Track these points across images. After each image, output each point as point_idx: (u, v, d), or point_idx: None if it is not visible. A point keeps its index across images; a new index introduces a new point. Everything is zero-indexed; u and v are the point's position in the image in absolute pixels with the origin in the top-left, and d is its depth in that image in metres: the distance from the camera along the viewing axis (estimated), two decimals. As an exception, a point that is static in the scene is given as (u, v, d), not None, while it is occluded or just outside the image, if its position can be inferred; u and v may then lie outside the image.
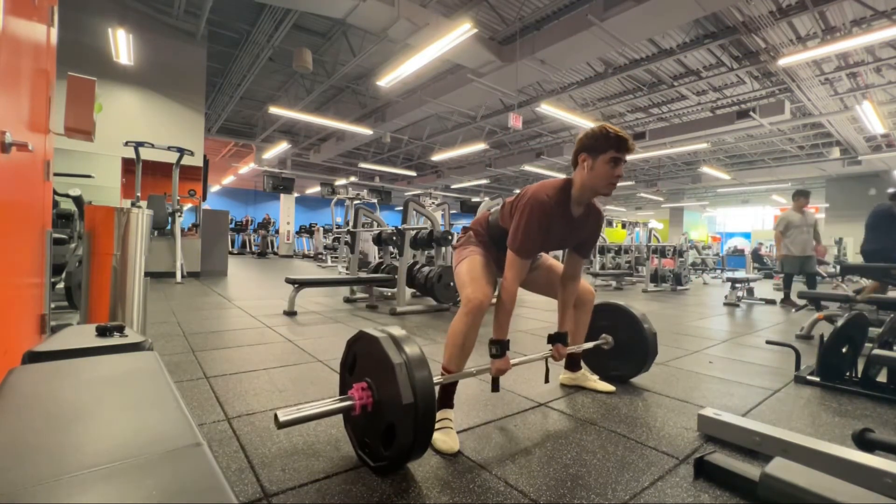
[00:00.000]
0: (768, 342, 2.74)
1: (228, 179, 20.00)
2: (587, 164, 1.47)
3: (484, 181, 17.26)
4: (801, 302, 4.76)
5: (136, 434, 0.54)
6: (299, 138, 13.35)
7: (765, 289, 7.93)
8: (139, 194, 6.41)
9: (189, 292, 5.13)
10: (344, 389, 1.36)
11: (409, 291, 4.62)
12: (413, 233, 4.71)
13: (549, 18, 6.33)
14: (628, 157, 1.49)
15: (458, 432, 1.47)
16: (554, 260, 1.88)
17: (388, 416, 1.16)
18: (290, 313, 3.81)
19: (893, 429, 1.67)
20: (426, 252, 5.61)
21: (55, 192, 3.41)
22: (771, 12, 5.64)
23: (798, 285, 5.68)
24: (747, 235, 22.64)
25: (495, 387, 1.56)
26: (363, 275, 5.10)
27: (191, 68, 7.47)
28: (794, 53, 5.77)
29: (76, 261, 3.17)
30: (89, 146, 5.50)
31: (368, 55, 7.29)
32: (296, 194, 17.74)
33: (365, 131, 10.10)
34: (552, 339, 1.72)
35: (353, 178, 16.72)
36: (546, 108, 7.52)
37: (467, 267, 1.62)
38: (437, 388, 1.31)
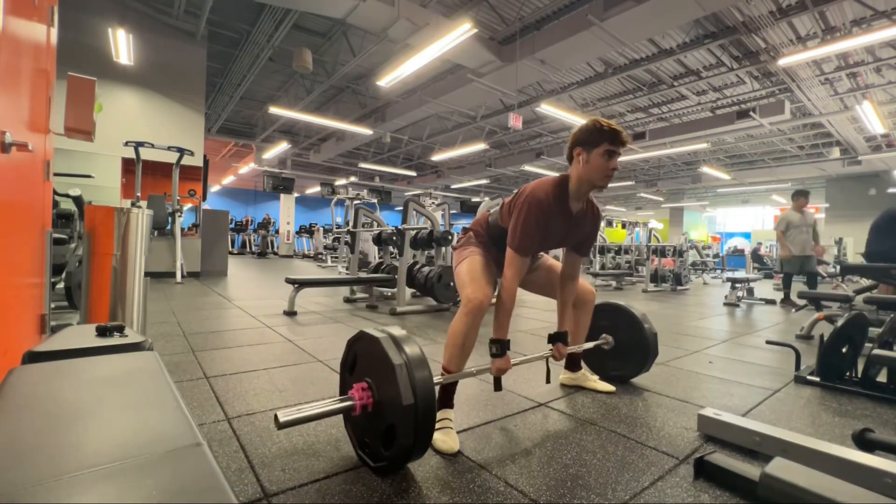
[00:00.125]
0: (768, 342, 2.75)
1: (228, 179, 20.00)
2: (582, 157, 1.49)
3: (484, 181, 17.26)
4: (801, 302, 4.76)
5: (136, 434, 0.54)
6: (299, 138, 13.35)
7: (765, 289, 7.93)
8: (139, 194, 6.41)
9: (189, 292, 5.13)
10: (344, 389, 1.36)
11: (409, 291, 4.62)
12: (413, 233, 4.71)
13: (549, 18, 6.33)
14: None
15: (458, 432, 1.47)
16: (554, 260, 1.88)
17: (389, 416, 1.16)
18: (290, 313, 3.81)
19: (893, 429, 1.67)
20: (426, 252, 5.61)
21: (55, 192, 3.41)
22: (771, 12, 5.64)
23: (798, 285, 5.68)
24: (747, 235, 22.64)
25: (498, 386, 1.56)
26: (363, 275, 5.10)
27: (191, 68, 7.47)
28: (794, 53, 5.77)
29: (76, 261, 3.17)
30: (89, 146, 5.50)
31: (368, 55, 7.29)
32: (296, 194, 17.74)
33: (365, 131, 10.10)
34: (552, 338, 1.72)
35: (353, 178, 16.72)
36: (546, 108, 7.52)
37: (467, 267, 1.63)
38: (437, 389, 1.32)
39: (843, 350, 2.15)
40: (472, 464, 1.29)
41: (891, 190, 13.15)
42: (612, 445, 1.44)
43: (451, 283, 4.36)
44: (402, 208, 5.98)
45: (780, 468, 1.08)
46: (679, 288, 7.59)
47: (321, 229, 14.93)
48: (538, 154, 12.64)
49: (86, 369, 0.78)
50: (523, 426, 1.59)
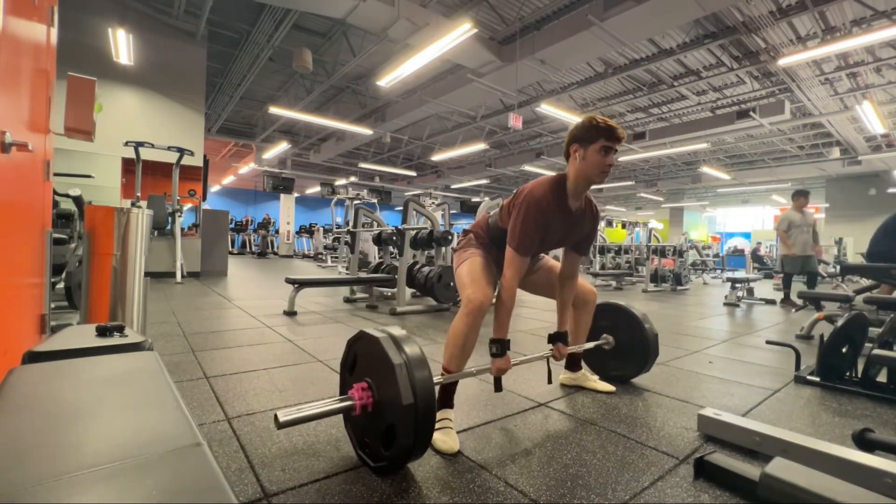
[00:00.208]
0: (768, 342, 2.75)
1: (228, 179, 20.00)
2: (579, 154, 1.50)
3: (484, 181, 17.26)
4: (801, 302, 4.76)
5: (136, 434, 0.54)
6: (299, 138, 13.35)
7: (765, 289, 7.93)
8: (139, 194, 6.41)
9: (189, 292, 5.13)
10: (344, 389, 1.36)
11: (409, 291, 4.62)
12: (413, 233, 4.71)
13: (549, 18, 6.33)
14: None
15: (458, 432, 1.48)
16: (554, 261, 1.88)
17: (389, 416, 1.16)
18: (290, 313, 3.81)
19: (893, 429, 1.67)
20: (426, 252, 5.61)
21: (55, 192, 3.41)
22: (771, 12, 5.64)
23: (798, 285, 5.68)
24: (747, 235, 22.65)
25: (498, 386, 1.57)
26: (363, 275, 5.10)
27: (191, 68, 7.47)
28: (794, 53, 5.77)
29: (76, 261, 3.17)
30: (89, 146, 5.50)
31: (368, 55, 7.29)
32: (296, 194, 17.74)
33: (365, 131, 10.10)
34: (552, 338, 1.72)
35: (353, 178, 16.72)
36: (546, 108, 7.52)
37: (468, 268, 1.63)
38: (437, 388, 1.32)
39: (843, 350, 2.15)
40: (472, 464, 1.29)
41: (891, 190, 13.15)
42: (612, 445, 1.44)
43: (451, 283, 4.36)
44: (402, 208, 5.98)
45: (780, 468, 1.08)
46: (679, 288, 7.59)
47: (321, 229, 14.93)
48: (538, 154, 12.64)
49: (86, 369, 0.78)
50: (523, 426, 1.59)
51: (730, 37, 6.29)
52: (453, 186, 18.63)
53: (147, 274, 2.06)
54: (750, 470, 1.16)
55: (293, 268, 10.38)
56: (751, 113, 8.23)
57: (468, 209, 9.25)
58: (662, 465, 1.32)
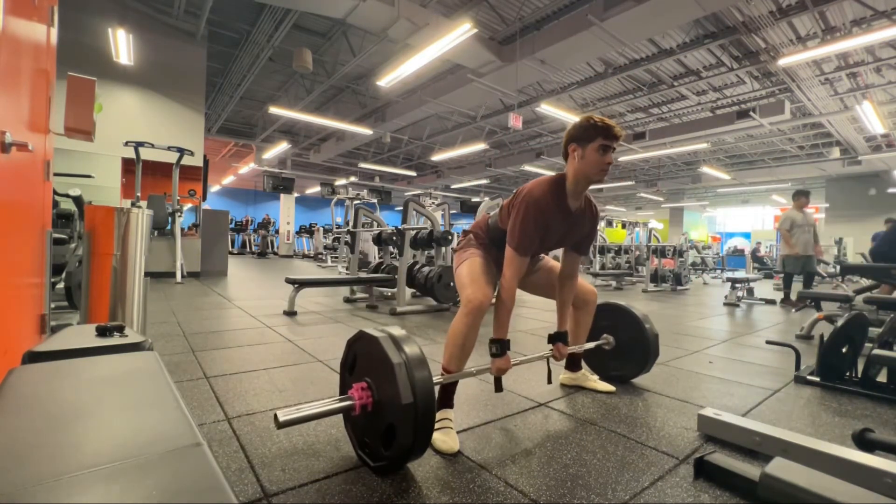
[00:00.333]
0: (768, 342, 2.75)
1: (228, 179, 20.00)
2: (577, 153, 1.50)
3: (484, 181, 17.26)
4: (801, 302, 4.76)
5: (136, 434, 0.54)
6: (299, 138, 13.35)
7: (765, 289, 7.93)
8: (139, 194, 6.41)
9: (189, 292, 5.13)
10: (344, 389, 1.36)
11: (409, 291, 4.62)
12: (413, 233, 4.71)
13: (549, 18, 6.33)
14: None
15: (458, 432, 1.48)
16: (554, 262, 1.88)
17: (388, 415, 1.16)
18: (290, 313, 3.81)
19: (893, 429, 1.67)
20: (426, 252, 5.61)
21: (55, 192, 3.41)
22: (771, 12, 5.64)
23: (797, 285, 5.68)
24: (747, 235, 22.65)
25: (498, 387, 1.57)
26: (363, 275, 5.10)
27: (191, 68, 7.47)
28: (794, 53, 5.77)
29: (76, 261, 3.17)
30: (89, 146, 5.49)
31: (368, 55, 7.29)
32: (296, 194, 17.73)
33: (365, 131, 10.10)
34: (552, 338, 1.72)
35: (353, 178, 16.72)
36: (546, 108, 7.52)
37: (467, 269, 1.63)
38: (436, 388, 1.32)
39: (843, 350, 2.15)
40: (472, 464, 1.29)
41: (891, 190, 13.14)
42: (612, 445, 1.44)
43: (451, 283, 4.36)
44: (402, 208, 5.98)
45: (780, 468, 1.08)
46: (679, 288, 7.59)
47: (321, 229, 14.93)
48: (538, 154, 12.64)
49: (86, 369, 0.78)
50: (523, 426, 1.59)
51: (730, 37, 6.29)
52: (453, 186, 18.63)
53: (147, 274, 2.06)
54: (750, 470, 1.16)
55: (293, 268, 10.38)
56: (751, 113, 8.23)
57: (468, 209, 9.25)
58: (662, 465, 1.32)
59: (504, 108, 9.81)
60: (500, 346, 1.50)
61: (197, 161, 7.34)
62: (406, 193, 17.43)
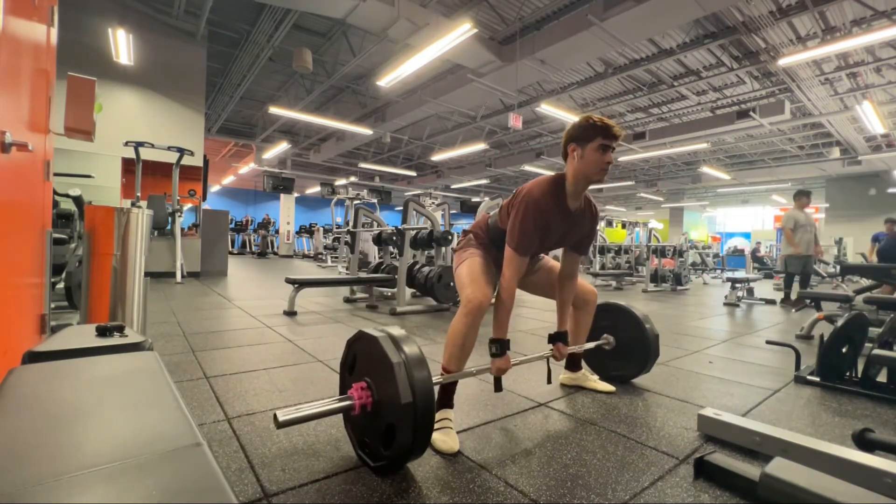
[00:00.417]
0: (768, 342, 2.75)
1: (228, 179, 19.99)
2: (577, 153, 1.50)
3: (484, 181, 17.25)
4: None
5: (136, 434, 0.54)
6: (299, 138, 13.35)
7: (765, 289, 7.93)
8: (139, 194, 6.41)
9: (189, 292, 5.13)
10: (344, 389, 1.36)
11: (409, 291, 4.62)
12: (413, 233, 4.71)
13: (549, 18, 6.33)
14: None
15: (458, 432, 1.48)
16: (554, 262, 1.88)
17: (388, 415, 1.16)
18: (290, 313, 3.81)
19: (893, 429, 1.67)
20: (426, 252, 5.61)
21: (55, 192, 3.41)
22: (771, 12, 5.64)
23: (796, 286, 5.68)
24: (747, 235, 22.64)
25: (498, 386, 1.57)
26: (363, 275, 5.10)
27: (191, 68, 7.47)
28: (794, 53, 5.77)
29: (76, 261, 3.17)
30: (89, 146, 5.49)
31: (368, 55, 7.29)
32: (296, 194, 17.73)
33: (365, 131, 10.10)
34: (552, 338, 1.72)
35: (353, 178, 16.72)
36: (546, 108, 7.52)
37: (467, 269, 1.63)
38: (436, 388, 1.32)
39: (843, 350, 2.15)
40: (472, 464, 1.29)
41: (891, 190, 13.14)
42: (612, 445, 1.44)
43: (451, 283, 4.36)
44: (402, 208, 5.97)
45: (780, 468, 1.08)
46: (679, 288, 7.59)
47: (321, 229, 14.93)
48: (538, 154, 12.64)
49: (86, 369, 0.78)
50: (523, 426, 1.59)
51: (730, 37, 6.28)
52: (453, 186, 18.63)
53: (147, 274, 2.06)
54: (750, 470, 1.16)
55: (293, 268, 10.37)
56: (751, 113, 8.23)
57: (468, 209, 9.25)
58: (662, 465, 1.32)
59: (504, 108, 9.81)
60: (499, 346, 1.50)
61: (197, 161, 7.34)
62: (406, 193, 17.43)
